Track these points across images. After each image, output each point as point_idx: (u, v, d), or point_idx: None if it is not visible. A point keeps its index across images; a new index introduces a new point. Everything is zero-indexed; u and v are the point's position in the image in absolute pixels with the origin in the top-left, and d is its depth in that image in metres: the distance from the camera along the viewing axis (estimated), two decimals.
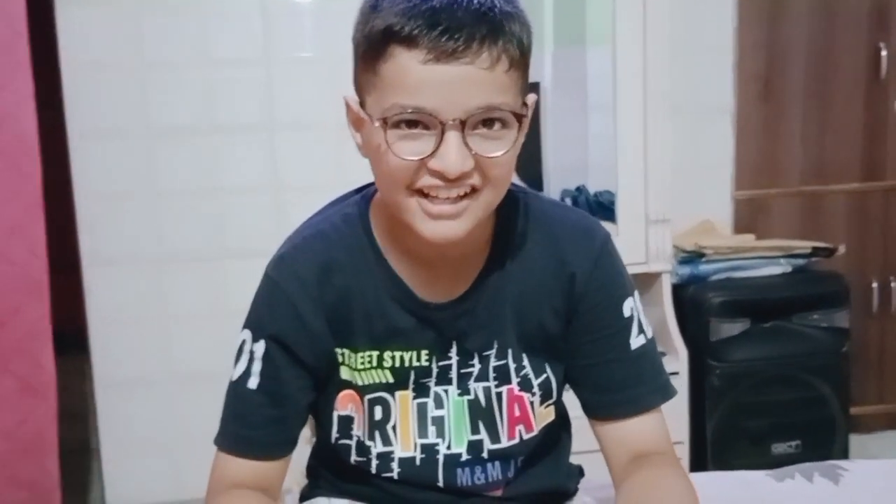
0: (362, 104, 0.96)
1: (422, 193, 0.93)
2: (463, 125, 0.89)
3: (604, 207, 2.68)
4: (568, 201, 2.84)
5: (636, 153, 2.45)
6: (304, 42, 2.50)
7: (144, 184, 2.49)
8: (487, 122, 0.91)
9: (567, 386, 1.13)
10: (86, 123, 2.43)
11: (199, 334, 2.52)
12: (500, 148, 0.92)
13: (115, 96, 2.45)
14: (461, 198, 0.93)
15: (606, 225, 2.48)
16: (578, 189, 2.87)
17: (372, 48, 0.91)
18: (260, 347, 1.04)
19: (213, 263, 2.53)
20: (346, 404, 1.07)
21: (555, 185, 2.89)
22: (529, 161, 2.82)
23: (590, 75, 2.87)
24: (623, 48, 2.43)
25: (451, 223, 0.94)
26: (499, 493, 1.10)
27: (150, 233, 2.51)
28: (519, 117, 0.93)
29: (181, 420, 2.53)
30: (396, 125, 0.90)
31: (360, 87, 0.96)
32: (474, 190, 0.93)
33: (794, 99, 2.83)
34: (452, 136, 0.89)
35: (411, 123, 0.90)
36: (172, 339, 2.55)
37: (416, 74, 0.88)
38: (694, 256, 2.60)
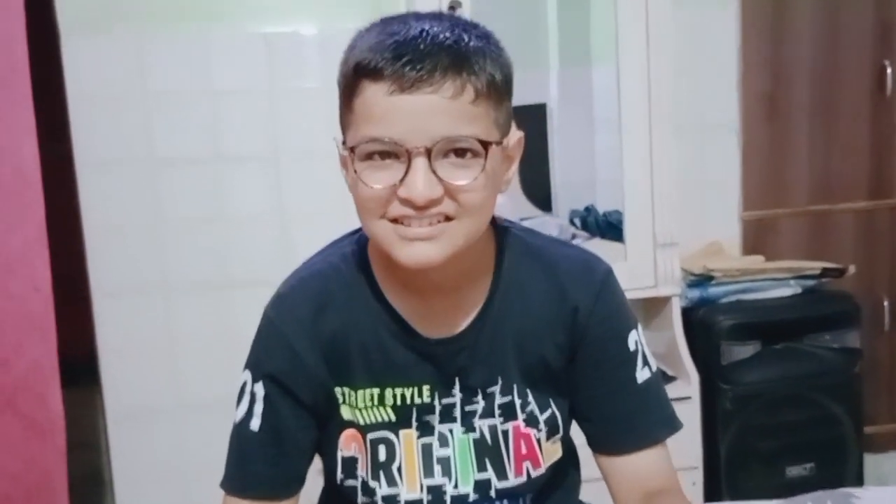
0: (345, 140, 0.97)
1: (396, 221, 0.94)
2: (429, 153, 0.90)
3: (613, 227, 2.66)
4: (577, 221, 2.83)
5: (642, 174, 2.44)
6: (307, 72, 2.51)
7: (150, 214, 2.49)
8: (459, 151, 0.93)
9: (573, 421, 1.12)
10: (93, 154, 2.44)
11: (207, 363, 2.51)
12: (469, 176, 0.92)
13: (120, 127, 2.46)
14: (435, 223, 0.93)
15: (616, 247, 2.49)
16: (587, 209, 2.86)
17: (346, 85, 0.94)
18: (260, 388, 1.04)
19: (219, 293, 2.53)
20: (349, 444, 1.07)
21: (563, 204, 2.89)
22: (537, 180, 2.82)
23: (595, 94, 2.87)
24: (627, 67, 2.43)
25: (427, 246, 0.94)
26: None
27: (157, 263, 2.51)
28: (486, 145, 0.93)
29: (192, 449, 2.52)
30: (368, 156, 0.92)
31: (342, 125, 0.98)
32: (448, 218, 0.94)
33: (800, 117, 2.82)
34: (419, 164, 0.90)
35: (382, 154, 0.92)
36: (181, 368, 2.55)
37: (381, 105, 0.90)
38: (703, 279, 2.59)
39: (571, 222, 2.83)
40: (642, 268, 2.44)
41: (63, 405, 2.04)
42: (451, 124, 0.90)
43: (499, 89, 0.94)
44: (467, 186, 0.92)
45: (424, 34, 0.90)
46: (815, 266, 2.63)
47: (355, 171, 0.93)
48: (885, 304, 2.87)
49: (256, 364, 1.05)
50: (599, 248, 2.45)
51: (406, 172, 0.90)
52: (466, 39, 0.92)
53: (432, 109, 0.90)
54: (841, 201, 2.86)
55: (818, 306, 2.57)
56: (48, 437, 1.94)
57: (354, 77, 0.92)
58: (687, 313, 2.56)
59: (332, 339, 1.03)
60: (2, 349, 1.90)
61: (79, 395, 2.65)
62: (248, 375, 1.05)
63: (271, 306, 1.06)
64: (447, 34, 0.91)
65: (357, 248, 1.07)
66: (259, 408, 1.04)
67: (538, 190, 2.75)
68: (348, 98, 0.94)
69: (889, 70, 2.79)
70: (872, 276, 2.87)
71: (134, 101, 2.46)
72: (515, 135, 0.99)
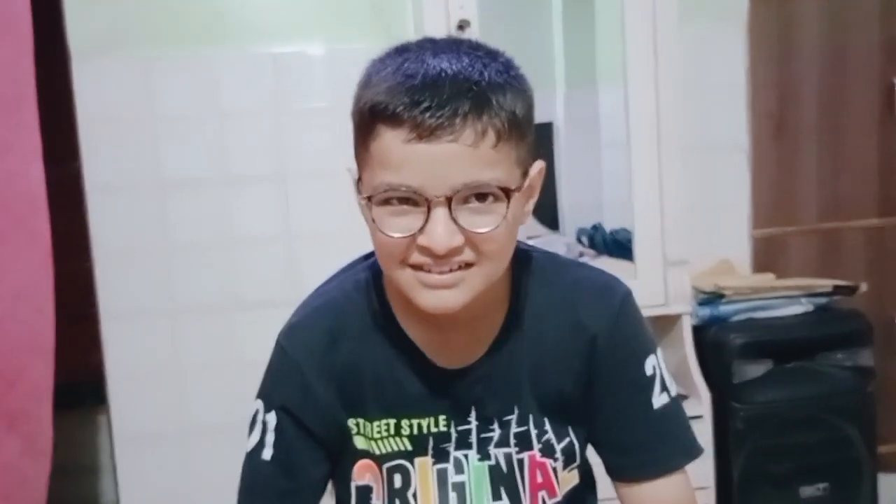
0: (360, 178, 0.95)
1: (416, 267, 0.92)
2: (449, 201, 0.88)
3: (621, 246, 2.66)
4: (585, 240, 2.83)
5: (651, 193, 2.44)
6: (314, 92, 2.51)
7: (158, 236, 2.49)
8: (479, 196, 0.90)
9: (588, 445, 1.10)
10: (101, 177, 2.45)
11: (214, 386, 2.50)
12: (490, 223, 0.90)
13: (128, 149, 2.46)
14: (456, 269, 0.92)
15: (624, 265, 2.49)
16: (595, 227, 2.86)
17: (363, 125, 0.91)
18: (272, 418, 1.03)
19: (227, 315, 2.53)
20: (363, 474, 1.05)
21: (570, 223, 2.89)
22: (544, 199, 2.80)
23: (602, 114, 2.88)
24: (634, 88, 2.43)
25: (448, 293, 0.93)
26: None
27: (164, 285, 2.50)
28: (508, 192, 0.91)
29: (199, 473, 2.51)
30: (385, 202, 0.90)
31: (358, 161, 0.96)
32: (468, 264, 0.92)
33: (808, 136, 2.82)
34: (439, 213, 0.88)
35: (400, 199, 0.90)
36: (188, 391, 2.54)
37: (399, 153, 0.87)
38: (714, 297, 2.57)
39: (579, 240, 2.83)
40: (652, 286, 2.43)
41: (66, 426, 2.04)
42: (471, 172, 0.88)
43: (521, 125, 0.91)
44: (488, 235, 0.91)
45: (443, 76, 0.87)
46: (827, 284, 2.61)
47: (373, 220, 0.91)
48: None
49: (268, 394, 1.04)
50: (607, 266, 2.43)
51: (426, 221, 0.89)
52: (487, 77, 0.89)
53: (452, 158, 0.87)
54: (851, 219, 2.84)
55: (830, 325, 2.55)
56: (41, 458, 1.94)
57: (371, 119, 0.89)
58: (698, 331, 2.55)
59: (346, 371, 1.02)
60: (8, 372, 1.89)
61: (86, 417, 2.65)
62: (260, 405, 1.05)
63: (284, 336, 1.04)
64: (467, 72, 0.88)
65: (371, 276, 1.06)
66: (270, 438, 1.03)
67: (545, 209, 2.74)
68: (363, 138, 0.91)
69: None
70: (883, 294, 2.85)
71: (142, 123, 2.47)
72: (537, 166, 0.96)
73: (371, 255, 1.09)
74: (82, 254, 2.46)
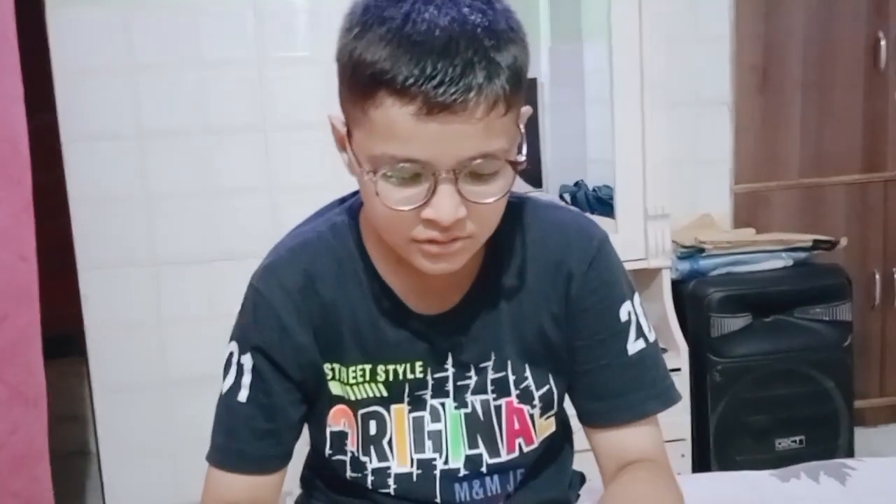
0: (349, 131, 0.92)
1: (419, 242, 0.91)
2: (456, 176, 0.86)
3: (603, 202, 2.66)
4: (567, 197, 2.82)
5: (634, 148, 2.43)
6: (297, 41, 2.47)
7: (138, 187, 2.47)
8: (484, 166, 0.88)
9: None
10: (78, 127, 2.41)
11: (196, 337, 2.50)
12: (495, 194, 0.89)
13: (107, 99, 2.43)
14: (456, 239, 0.91)
15: (605, 220, 2.49)
16: (577, 184, 2.85)
17: (359, 85, 0.86)
18: (247, 360, 1.01)
19: (208, 266, 2.51)
20: (338, 420, 1.05)
21: (553, 180, 2.88)
22: (528, 156, 2.79)
23: (587, 70, 2.86)
24: (619, 42, 2.41)
25: (448, 262, 0.93)
26: None
27: (144, 236, 2.49)
28: (514, 164, 0.90)
29: (180, 424, 2.52)
30: (386, 176, 0.87)
31: (347, 114, 0.92)
32: (469, 236, 0.91)
33: (793, 90, 2.81)
34: (445, 186, 0.86)
35: (402, 171, 0.87)
36: (169, 342, 2.53)
37: (407, 127, 0.84)
38: (693, 251, 2.58)
39: (561, 198, 2.82)
40: (633, 240, 2.44)
41: (49, 376, 2.04)
42: (479, 145, 0.85)
43: (522, 78, 0.89)
44: (493, 205, 0.90)
45: (452, 40, 0.82)
46: (807, 238, 2.62)
47: (377, 193, 0.87)
48: (877, 277, 2.87)
49: (243, 336, 1.03)
50: None
51: (432, 194, 0.86)
52: (493, 33, 0.84)
53: (462, 134, 0.84)
54: (833, 174, 2.85)
55: (809, 279, 2.57)
56: (32, 405, 1.93)
57: (372, 83, 0.84)
58: (677, 286, 2.56)
59: (322, 314, 1.01)
60: None
61: (66, 367, 2.64)
62: (234, 347, 1.03)
63: (258, 277, 1.02)
64: (474, 32, 0.83)
65: (348, 219, 1.04)
66: (247, 379, 1.01)
67: (528, 166, 2.74)
68: (360, 99, 0.86)
69: (883, 43, 2.78)
70: (864, 249, 2.87)
71: (120, 72, 2.43)
72: (525, 114, 0.94)
73: (347, 198, 1.08)
74: (60, 206, 2.43)
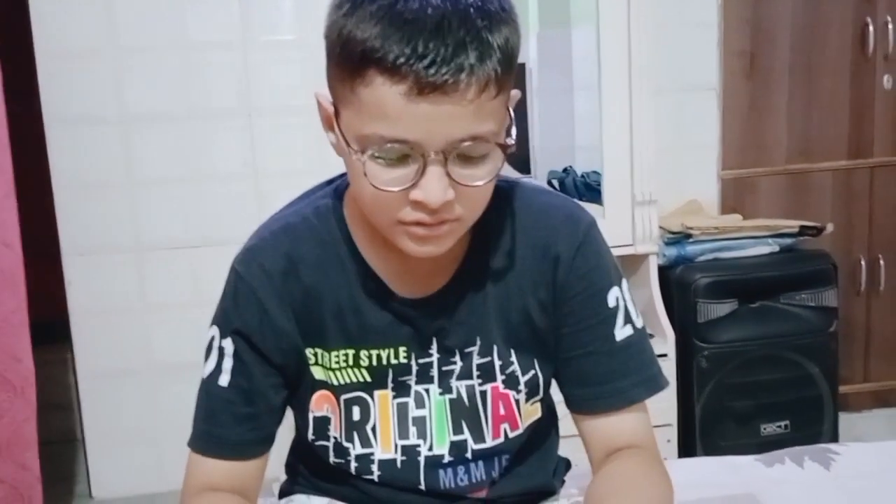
0: (336, 110, 0.91)
1: (406, 224, 0.90)
2: (445, 158, 0.85)
3: (591, 189, 2.66)
4: (555, 183, 2.82)
5: (621, 133, 2.43)
6: (282, 24, 2.46)
7: (121, 171, 2.45)
8: (472, 148, 0.87)
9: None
10: (61, 111, 2.39)
11: (179, 323, 2.49)
12: (484, 176, 0.88)
13: (90, 83, 2.41)
14: (444, 222, 0.90)
15: (593, 207, 2.49)
16: (566, 170, 2.85)
17: (348, 64, 0.85)
18: (229, 344, 1.00)
19: (193, 251, 2.50)
20: (321, 405, 1.04)
21: (542, 166, 2.88)
22: (516, 143, 2.79)
23: (575, 56, 2.85)
24: (607, 28, 2.41)
25: (434, 245, 0.92)
26: (483, 494, 1.07)
27: (128, 221, 2.47)
28: (504, 147, 0.89)
29: (164, 410, 2.51)
30: (375, 157, 0.86)
31: (335, 93, 0.90)
32: (457, 219, 0.90)
33: (780, 75, 2.81)
34: (434, 168, 0.85)
35: (391, 151, 0.86)
36: (153, 328, 2.52)
37: (397, 107, 0.82)
38: (681, 237, 2.58)
39: (549, 184, 2.82)
40: (620, 225, 2.44)
41: (35, 363, 2.03)
42: (470, 126, 0.85)
43: (513, 60, 0.87)
44: (481, 187, 0.89)
45: (445, 19, 0.81)
46: (793, 224, 2.62)
47: (365, 174, 0.86)
48: (863, 263, 2.88)
49: (224, 319, 1.01)
50: None
51: (421, 175, 0.85)
52: (485, 13, 0.83)
53: (453, 114, 0.83)
54: (820, 161, 2.85)
55: (795, 265, 2.57)
56: (19, 392, 1.93)
57: (361, 62, 0.83)
58: (664, 271, 2.56)
59: (304, 298, 1.00)
60: None
61: (51, 354, 2.63)
62: (215, 331, 1.01)
63: (239, 261, 1.01)
64: (466, 11, 0.82)
65: (332, 202, 1.02)
66: (228, 364, 1.00)
67: (517, 151, 2.72)
68: (349, 77, 0.85)
69: (871, 28, 2.77)
70: (850, 235, 2.87)
71: (104, 55, 2.41)
72: (515, 97, 0.92)
73: (334, 179, 1.07)
74: (43, 192, 2.41)
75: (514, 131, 0.92)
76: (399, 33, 0.81)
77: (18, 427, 1.94)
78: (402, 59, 0.81)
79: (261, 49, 2.46)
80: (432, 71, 0.81)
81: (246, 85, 2.47)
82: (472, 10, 0.83)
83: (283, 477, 1.19)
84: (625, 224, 2.44)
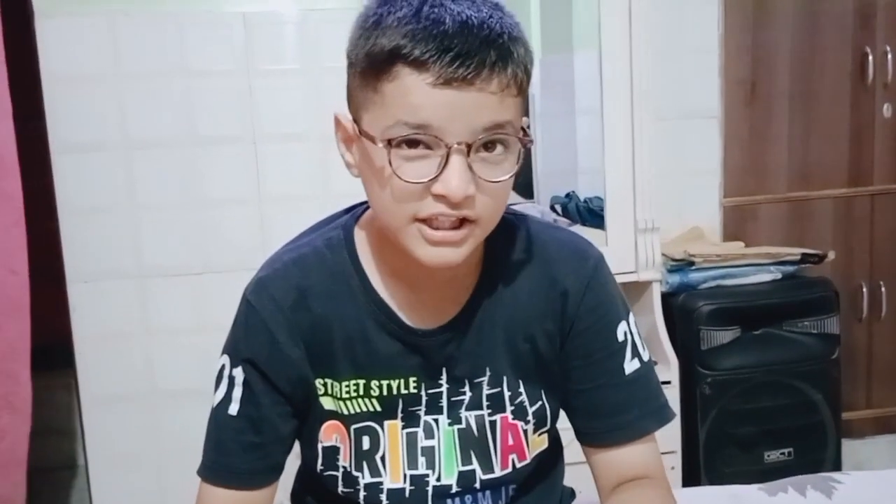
0: (357, 122, 0.92)
1: (423, 220, 0.90)
2: (468, 148, 0.87)
3: (594, 214, 2.66)
4: (558, 208, 2.83)
5: (624, 159, 2.44)
6: (286, 53, 2.47)
7: (125, 197, 2.46)
8: (489, 146, 0.89)
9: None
10: (66, 137, 2.40)
11: (183, 349, 2.49)
12: (504, 172, 0.90)
13: (95, 108, 2.42)
14: (461, 224, 0.90)
15: (596, 233, 2.49)
16: (568, 195, 2.85)
17: (374, 66, 0.87)
18: (239, 373, 1.01)
19: (196, 278, 2.50)
20: (330, 435, 1.04)
21: (544, 190, 2.89)
22: (519, 168, 2.80)
23: (577, 80, 2.86)
24: (609, 53, 2.43)
25: (449, 250, 0.92)
26: None
27: (132, 247, 2.48)
28: (523, 141, 0.91)
29: (167, 436, 2.50)
30: (398, 145, 0.88)
31: (356, 104, 0.92)
32: (471, 221, 0.91)
33: (781, 103, 2.82)
34: (457, 159, 0.87)
35: (412, 143, 0.88)
36: (156, 354, 2.52)
37: (421, 94, 0.85)
38: (683, 264, 2.58)
39: (552, 209, 2.83)
40: (623, 253, 2.44)
41: (36, 388, 2.03)
42: (492, 114, 0.87)
43: (529, 81, 0.91)
44: (500, 185, 0.90)
45: (470, 24, 0.85)
46: (795, 252, 2.63)
47: (390, 163, 0.87)
48: (864, 290, 2.88)
49: (235, 348, 1.02)
50: (580, 234, 2.46)
51: (443, 168, 0.87)
52: (508, 29, 0.87)
53: (476, 104, 0.86)
54: (820, 188, 2.86)
55: (797, 292, 2.58)
56: (19, 414, 1.94)
57: (388, 60, 0.86)
58: (667, 298, 2.56)
59: (314, 329, 1.00)
60: None
61: (54, 379, 2.63)
62: (226, 360, 1.03)
63: (251, 291, 1.02)
64: (490, 23, 0.86)
65: (343, 234, 1.04)
66: (238, 393, 1.01)
67: (520, 175, 2.74)
68: (374, 78, 0.87)
69: (870, 57, 2.79)
70: (851, 262, 2.88)
71: (108, 81, 2.42)
72: (524, 120, 0.94)
73: (344, 213, 1.08)
74: (48, 216, 2.42)
75: (530, 133, 0.94)
76: (425, 32, 0.85)
77: (14, 448, 1.96)
78: (428, 54, 0.84)
79: (264, 77, 2.47)
80: (457, 63, 0.84)
81: (249, 112, 2.48)
82: (492, 20, 0.87)
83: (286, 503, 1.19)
84: (628, 251, 2.45)
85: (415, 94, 0.85)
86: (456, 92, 0.85)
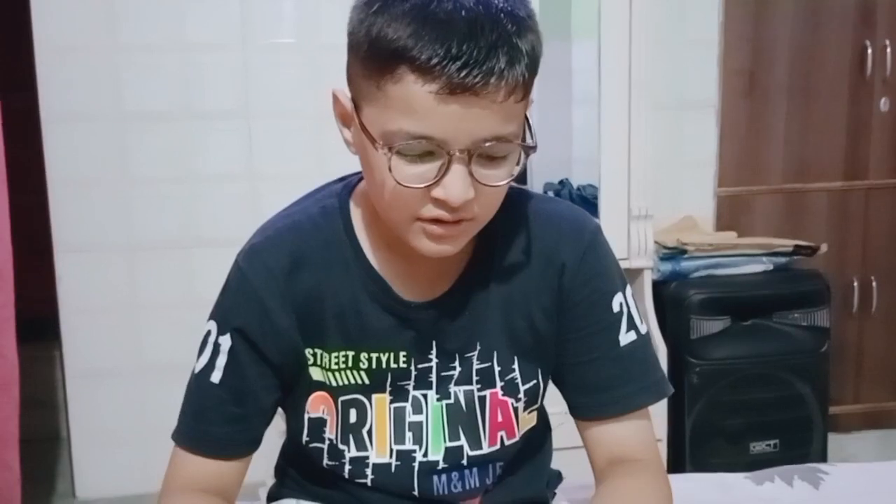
0: (357, 106, 0.91)
1: (425, 221, 0.90)
2: (470, 157, 0.86)
3: (587, 202, 2.66)
4: (551, 195, 2.82)
5: (619, 148, 2.43)
6: (282, 27, 2.45)
7: (117, 170, 2.44)
8: (495, 148, 0.88)
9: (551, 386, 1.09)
10: (59, 107, 2.39)
11: (170, 324, 2.48)
12: (504, 177, 0.89)
13: (88, 80, 2.40)
14: (460, 220, 0.90)
15: None
16: (562, 182, 2.85)
17: (377, 60, 0.85)
18: (225, 341, 0.99)
19: (186, 252, 2.49)
20: (317, 406, 1.03)
21: (538, 178, 2.87)
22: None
23: (575, 69, 2.85)
24: (608, 42, 2.41)
25: (448, 243, 0.92)
26: (476, 502, 1.07)
27: (122, 220, 2.46)
28: (526, 149, 0.90)
29: (151, 410, 2.50)
30: (399, 151, 0.86)
31: (356, 88, 0.90)
32: (472, 218, 0.91)
33: (779, 95, 2.82)
34: (458, 166, 0.86)
35: (416, 147, 0.86)
36: (143, 328, 2.51)
37: (426, 104, 0.83)
38: (676, 253, 2.58)
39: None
40: (616, 239, 2.41)
41: (21, 360, 2.01)
42: (495, 126, 0.86)
43: (537, 66, 0.89)
44: (499, 188, 0.89)
45: (478, 23, 0.82)
46: (788, 243, 2.63)
47: (390, 168, 0.86)
48: (855, 284, 2.88)
49: (224, 316, 1.00)
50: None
51: (444, 173, 0.86)
52: (515, 18, 0.84)
53: (480, 116, 0.84)
54: (815, 181, 2.86)
55: (789, 284, 2.58)
56: (4, 389, 1.91)
57: (392, 59, 0.83)
58: (658, 286, 2.56)
59: (306, 299, 0.99)
60: None
61: (39, 351, 2.62)
62: (213, 326, 1.00)
63: (244, 258, 1.00)
64: (497, 16, 0.83)
65: (338, 203, 1.02)
66: (222, 361, 0.99)
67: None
68: (377, 74, 0.85)
69: (870, 51, 2.79)
70: (844, 256, 2.88)
71: (102, 53, 2.40)
72: (531, 103, 0.93)
73: (344, 178, 1.06)
74: (38, 187, 2.40)
75: (533, 135, 0.93)
76: (433, 33, 0.82)
77: (3, 421, 1.92)
78: (434, 60, 0.82)
79: (260, 51, 2.45)
80: (465, 73, 0.82)
81: (244, 87, 2.46)
82: (502, 14, 0.84)
83: (270, 481, 1.18)
84: (620, 238, 2.44)
85: (419, 103, 0.83)
86: (461, 105, 0.83)
